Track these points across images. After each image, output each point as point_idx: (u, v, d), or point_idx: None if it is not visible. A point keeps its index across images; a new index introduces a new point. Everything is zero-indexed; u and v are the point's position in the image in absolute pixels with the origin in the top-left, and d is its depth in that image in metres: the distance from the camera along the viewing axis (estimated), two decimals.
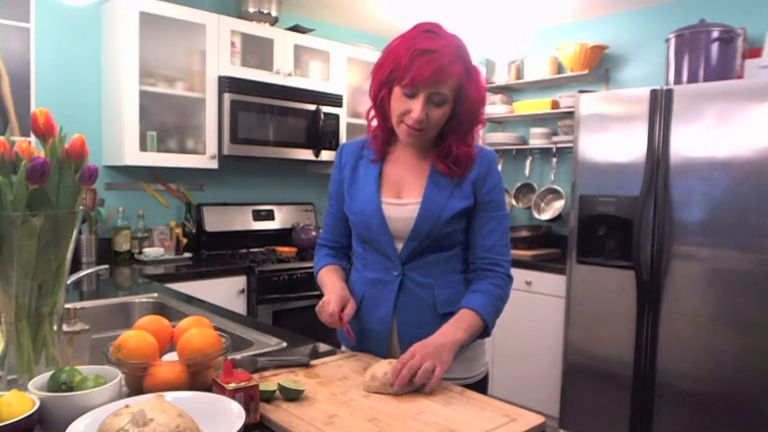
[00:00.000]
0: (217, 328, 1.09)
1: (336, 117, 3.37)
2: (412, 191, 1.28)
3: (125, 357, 0.95)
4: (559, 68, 3.63)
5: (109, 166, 2.89)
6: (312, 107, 3.26)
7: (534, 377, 3.14)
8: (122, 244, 2.87)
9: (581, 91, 2.90)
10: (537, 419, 0.95)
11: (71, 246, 1.00)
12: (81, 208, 1.01)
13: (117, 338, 0.99)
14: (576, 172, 2.85)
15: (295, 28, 3.31)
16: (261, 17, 3.17)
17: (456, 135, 1.24)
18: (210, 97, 2.94)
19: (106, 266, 1.83)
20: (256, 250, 3.27)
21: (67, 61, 2.77)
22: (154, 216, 3.09)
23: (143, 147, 2.78)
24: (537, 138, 3.63)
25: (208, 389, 0.96)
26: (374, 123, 1.33)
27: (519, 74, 3.83)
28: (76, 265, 2.58)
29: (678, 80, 2.71)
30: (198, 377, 0.98)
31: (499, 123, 3.95)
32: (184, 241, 3.05)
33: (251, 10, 3.15)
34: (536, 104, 3.60)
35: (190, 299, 1.99)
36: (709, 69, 2.63)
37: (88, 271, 1.72)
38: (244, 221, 3.33)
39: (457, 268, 1.30)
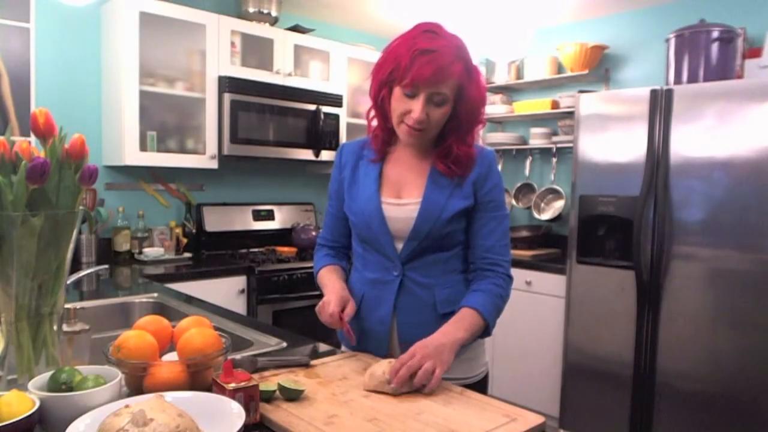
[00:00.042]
0: (217, 328, 1.08)
1: (336, 117, 3.37)
2: (412, 191, 1.28)
3: (125, 357, 0.95)
4: (559, 68, 3.63)
5: (109, 166, 2.89)
6: (312, 107, 3.26)
7: (534, 377, 3.14)
8: (122, 244, 2.87)
9: (581, 91, 2.90)
10: (537, 419, 0.95)
11: (71, 246, 1.00)
12: (81, 208, 1.01)
13: (117, 338, 0.99)
14: (576, 172, 2.85)
15: (295, 28, 3.31)
16: (261, 17, 3.17)
17: (456, 135, 1.24)
18: (210, 97, 2.94)
19: (106, 266, 1.83)
20: (256, 250, 3.27)
21: (67, 61, 2.77)
22: (154, 216, 3.09)
23: (143, 147, 2.78)
24: (537, 138, 3.63)
25: (208, 389, 0.96)
26: (374, 123, 1.32)
27: (519, 74, 3.83)
28: (76, 265, 2.58)
29: (678, 80, 2.71)
30: (198, 377, 0.98)
31: (499, 123, 3.95)
32: (184, 241, 3.05)
33: (251, 10, 3.15)
34: (536, 104, 3.60)
35: (190, 299, 1.99)
36: (709, 69, 2.63)
37: (88, 271, 1.72)
38: (244, 221, 3.33)
39: (457, 268, 1.30)
